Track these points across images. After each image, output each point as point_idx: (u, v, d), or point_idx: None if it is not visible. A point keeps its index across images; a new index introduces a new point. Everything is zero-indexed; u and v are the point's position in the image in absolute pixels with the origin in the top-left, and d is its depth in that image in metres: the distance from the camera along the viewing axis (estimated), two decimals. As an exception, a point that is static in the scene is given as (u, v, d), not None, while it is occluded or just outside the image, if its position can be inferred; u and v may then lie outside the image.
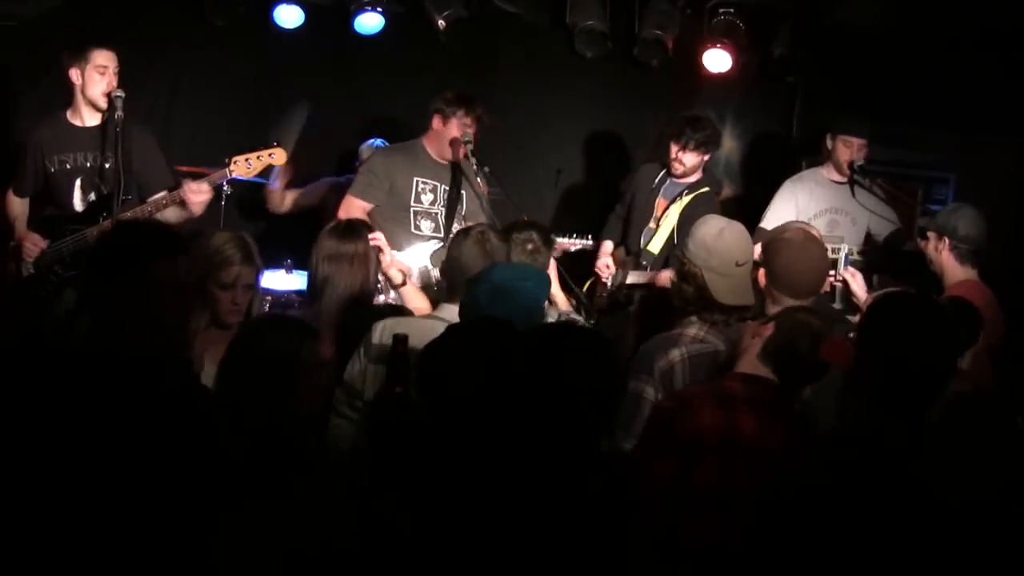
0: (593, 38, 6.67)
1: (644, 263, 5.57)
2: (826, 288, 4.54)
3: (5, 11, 5.99)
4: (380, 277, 4.37)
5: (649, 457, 2.97)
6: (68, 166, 5.04)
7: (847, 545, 2.40)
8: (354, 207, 5.25)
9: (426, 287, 4.82)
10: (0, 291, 5.11)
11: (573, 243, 5.52)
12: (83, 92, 4.98)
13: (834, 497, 2.45)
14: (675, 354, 3.39)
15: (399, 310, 4.24)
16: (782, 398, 3.04)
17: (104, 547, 2.38)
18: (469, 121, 5.24)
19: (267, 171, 5.09)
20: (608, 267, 5.73)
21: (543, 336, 2.65)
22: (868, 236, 5.58)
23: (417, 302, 4.34)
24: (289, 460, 2.64)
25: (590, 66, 6.83)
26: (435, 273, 5.01)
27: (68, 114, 5.07)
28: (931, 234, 4.71)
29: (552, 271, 4.40)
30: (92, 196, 5.06)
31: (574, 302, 4.74)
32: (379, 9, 6.34)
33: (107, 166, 4.94)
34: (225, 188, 5.62)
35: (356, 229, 4.23)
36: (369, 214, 5.24)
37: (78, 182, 5.05)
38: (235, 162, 4.93)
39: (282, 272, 5.69)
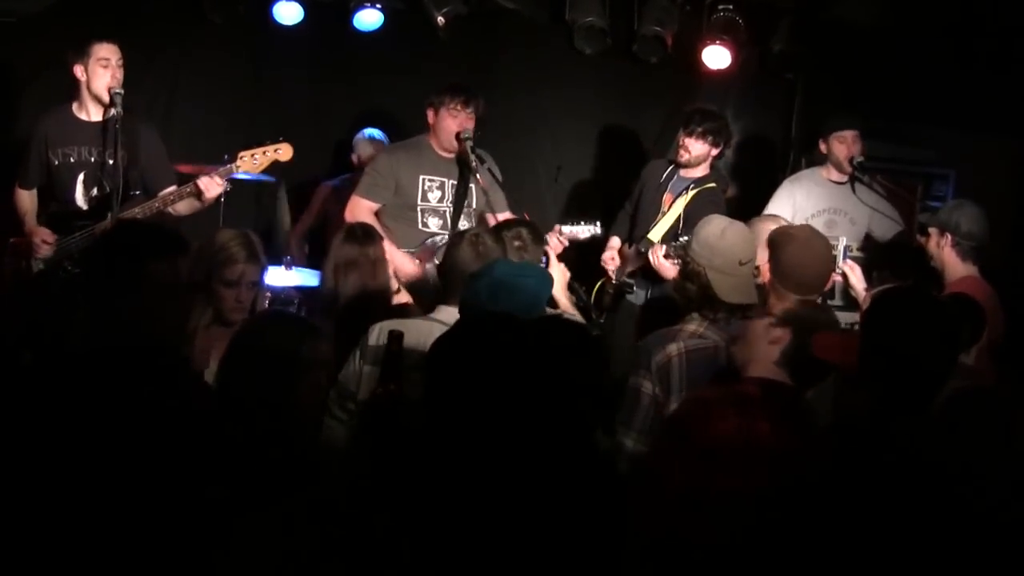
0: (592, 34, 6.66)
1: (643, 250, 5.58)
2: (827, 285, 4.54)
3: (5, 7, 5.97)
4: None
5: (665, 463, 2.96)
6: (72, 160, 5.05)
7: (856, 540, 2.40)
8: (360, 207, 5.24)
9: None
10: (2, 287, 5.12)
11: (581, 230, 5.53)
12: (88, 87, 4.99)
13: (842, 492, 2.45)
14: (672, 348, 3.43)
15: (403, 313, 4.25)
16: (798, 403, 3.04)
17: (103, 544, 2.39)
18: (459, 109, 5.22)
19: (272, 167, 5.06)
20: (613, 259, 5.73)
21: (530, 331, 2.63)
22: (868, 233, 5.58)
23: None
24: (288, 457, 2.65)
25: (589, 62, 6.82)
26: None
27: (74, 107, 5.09)
28: (933, 230, 4.72)
29: (558, 273, 4.41)
30: (95, 191, 5.06)
31: (574, 300, 4.72)
32: (378, 6, 6.34)
33: (110, 162, 4.94)
34: (226, 186, 5.60)
35: (370, 233, 4.25)
36: (376, 214, 5.24)
37: (81, 177, 5.06)
38: (241, 158, 4.94)
39: (282, 268, 5.68)
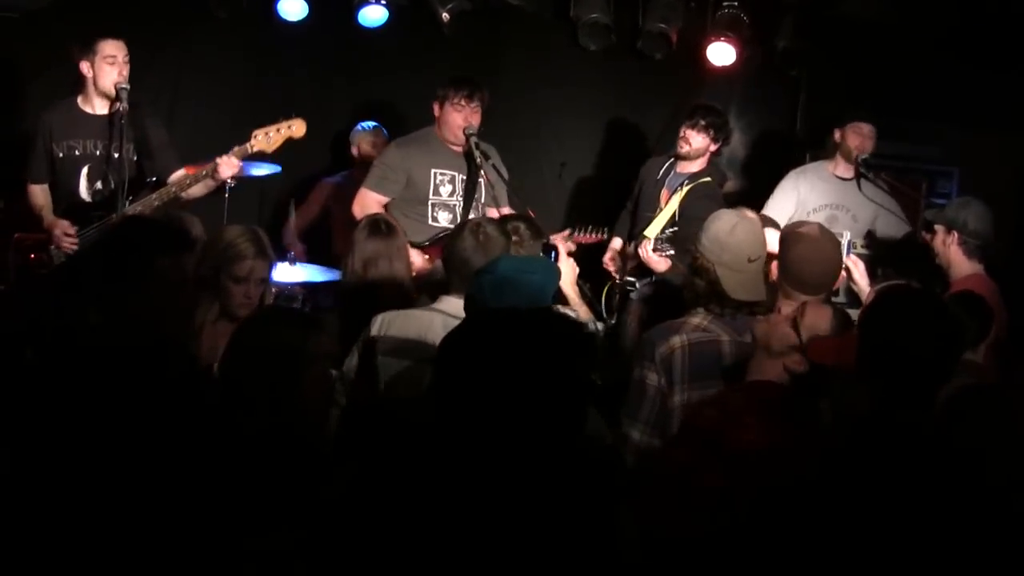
0: (597, 31, 6.67)
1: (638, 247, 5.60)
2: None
3: (8, 3, 5.98)
4: None
5: (692, 468, 2.95)
6: (76, 152, 5.07)
7: (865, 535, 2.40)
8: (370, 200, 5.23)
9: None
10: (6, 282, 5.13)
11: (588, 237, 5.55)
12: (95, 84, 5.02)
13: (850, 488, 2.45)
14: (676, 340, 3.44)
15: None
16: (814, 407, 3.04)
17: (110, 541, 2.39)
18: (463, 104, 5.23)
19: (287, 144, 5.07)
20: (613, 260, 5.76)
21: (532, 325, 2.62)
22: (872, 231, 5.57)
23: None
24: (294, 450, 2.66)
25: (594, 59, 6.83)
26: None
27: (79, 101, 5.11)
28: (939, 228, 4.71)
29: (567, 267, 4.41)
30: (98, 184, 5.08)
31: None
32: (383, 2, 6.34)
33: (116, 155, 4.96)
34: (229, 182, 5.61)
35: (393, 227, 4.25)
36: (384, 207, 5.23)
37: (85, 170, 5.08)
38: (255, 136, 4.97)
39: (286, 264, 5.68)
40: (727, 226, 3.52)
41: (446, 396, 2.20)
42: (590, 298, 5.08)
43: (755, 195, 6.37)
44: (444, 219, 5.31)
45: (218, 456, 2.53)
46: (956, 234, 4.65)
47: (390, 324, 3.67)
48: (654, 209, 5.69)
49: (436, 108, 5.33)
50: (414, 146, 5.40)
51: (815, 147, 6.30)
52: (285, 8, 6.31)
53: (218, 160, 4.91)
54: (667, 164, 5.79)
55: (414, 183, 5.27)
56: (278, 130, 5.01)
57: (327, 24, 6.52)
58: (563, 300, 4.37)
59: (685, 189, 5.57)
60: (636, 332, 4.28)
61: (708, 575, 2.77)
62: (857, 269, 4.79)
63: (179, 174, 5.09)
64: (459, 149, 5.34)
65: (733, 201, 5.84)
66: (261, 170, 5.64)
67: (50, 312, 4.81)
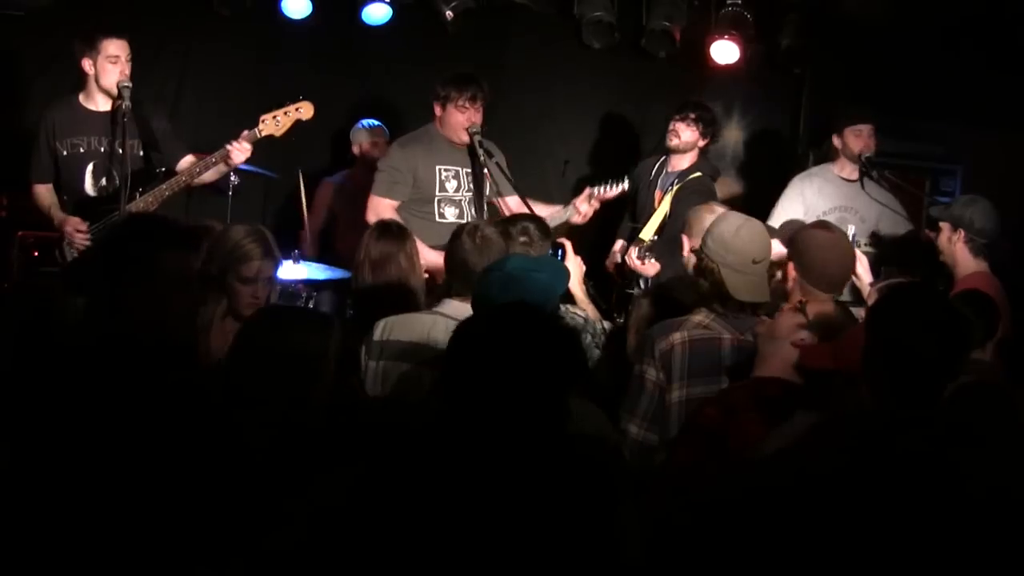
0: (601, 29, 6.66)
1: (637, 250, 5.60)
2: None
3: (13, 1, 5.98)
4: None
5: (696, 467, 2.95)
6: (81, 150, 5.06)
7: (869, 532, 2.41)
8: (383, 207, 5.20)
9: None
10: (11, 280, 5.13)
11: (609, 191, 5.56)
12: (97, 82, 5.00)
13: (853, 486, 2.45)
14: (676, 337, 3.45)
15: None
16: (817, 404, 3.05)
17: (112, 539, 2.39)
18: (467, 105, 5.23)
19: (295, 127, 5.07)
20: (614, 263, 5.76)
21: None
22: (877, 230, 5.57)
23: None
24: (298, 450, 2.66)
25: (597, 57, 6.83)
26: None
27: (81, 98, 5.10)
28: (944, 226, 4.70)
29: (574, 265, 4.41)
30: (103, 181, 5.08)
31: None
32: (386, 0, 6.34)
33: (120, 151, 4.96)
34: (233, 180, 5.62)
35: (404, 229, 4.26)
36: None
37: (90, 167, 5.07)
38: (263, 121, 4.98)
39: (290, 262, 5.69)
40: (732, 227, 3.52)
41: (453, 385, 2.20)
42: (595, 297, 5.08)
43: (758, 193, 6.40)
44: (451, 215, 5.31)
45: (221, 454, 2.53)
46: (962, 232, 4.64)
47: (392, 328, 3.68)
48: (650, 211, 5.71)
49: (438, 108, 5.32)
50: (416, 145, 5.39)
51: (818, 145, 6.30)
52: (289, 6, 6.30)
53: (228, 147, 4.92)
54: (658, 164, 5.83)
55: (421, 181, 5.27)
56: (286, 113, 5.02)
57: (330, 22, 6.52)
58: (570, 299, 4.38)
59: (675, 188, 5.59)
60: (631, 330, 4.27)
61: (712, 574, 2.77)
62: (860, 265, 4.80)
63: (188, 160, 5.11)
64: (461, 145, 5.34)
65: (736, 199, 5.86)
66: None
67: (57, 310, 4.84)
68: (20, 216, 5.41)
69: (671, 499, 2.95)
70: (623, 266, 5.67)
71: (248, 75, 6.66)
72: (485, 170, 5.27)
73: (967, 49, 6.34)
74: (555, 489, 2.18)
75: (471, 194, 5.37)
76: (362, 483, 2.25)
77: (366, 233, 4.31)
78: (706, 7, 6.61)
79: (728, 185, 6.80)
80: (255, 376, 2.70)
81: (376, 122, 6.35)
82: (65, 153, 5.07)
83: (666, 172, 5.76)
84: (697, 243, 3.96)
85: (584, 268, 4.55)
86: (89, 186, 5.08)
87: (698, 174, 5.66)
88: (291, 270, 5.62)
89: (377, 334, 3.67)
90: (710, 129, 5.73)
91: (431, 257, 4.77)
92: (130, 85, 4.92)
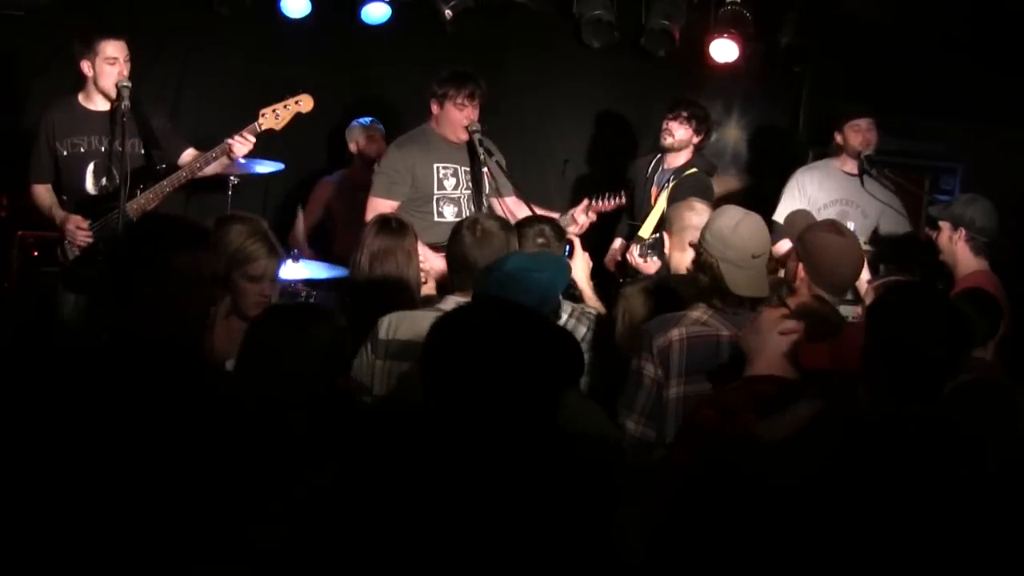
0: (600, 28, 6.67)
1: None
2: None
3: (12, 0, 5.98)
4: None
5: (697, 468, 2.95)
6: (81, 150, 5.07)
7: (862, 530, 2.41)
8: (382, 208, 5.17)
9: None
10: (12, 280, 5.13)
11: (607, 204, 5.57)
12: (96, 83, 5.01)
13: (853, 482, 2.45)
14: (674, 333, 3.45)
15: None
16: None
17: (119, 538, 2.39)
18: (465, 104, 5.23)
19: (295, 120, 5.09)
20: (615, 262, 5.80)
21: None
22: (877, 228, 5.57)
23: None
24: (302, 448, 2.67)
25: (597, 56, 6.83)
26: None
27: (80, 98, 5.10)
28: (945, 224, 4.69)
29: (582, 262, 4.41)
30: (104, 180, 5.08)
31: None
32: (385, -1, 6.35)
33: (120, 150, 4.96)
34: (232, 179, 5.61)
35: (404, 225, 4.25)
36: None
37: (91, 167, 5.08)
38: (263, 115, 4.99)
39: (289, 261, 5.68)
40: (731, 222, 3.51)
41: (428, 381, 2.19)
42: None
43: (758, 191, 6.40)
44: (450, 213, 5.30)
45: (224, 454, 2.53)
46: (963, 231, 4.63)
47: (398, 326, 3.66)
48: (647, 208, 5.72)
49: (435, 106, 5.31)
50: (413, 145, 5.38)
51: (818, 144, 6.29)
52: (288, 5, 6.30)
53: (230, 140, 4.92)
54: (654, 161, 5.85)
55: (419, 180, 5.26)
56: (285, 107, 5.03)
57: (330, 21, 6.52)
58: (578, 295, 4.39)
59: (671, 185, 5.61)
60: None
61: (713, 574, 2.78)
62: None
63: (190, 154, 5.13)
64: (458, 143, 5.34)
65: (737, 197, 5.86)
66: (265, 167, 5.65)
67: (66, 309, 4.86)
68: (20, 216, 5.42)
69: (670, 499, 2.94)
70: (624, 264, 5.68)
71: (247, 74, 6.65)
72: (485, 168, 5.26)
73: (967, 47, 6.34)
74: (543, 486, 2.17)
75: (470, 192, 5.37)
76: (356, 482, 2.25)
77: (366, 227, 4.31)
78: (705, 5, 6.61)
79: (728, 184, 6.81)
80: (271, 374, 2.72)
81: (371, 119, 6.35)
82: (66, 153, 5.07)
83: (662, 169, 5.79)
84: (679, 240, 3.97)
85: (591, 264, 4.55)
86: (90, 185, 5.09)
87: (694, 170, 5.68)
88: (291, 269, 5.62)
89: (382, 332, 3.65)
90: (704, 126, 5.75)
91: (438, 261, 4.79)
92: (129, 84, 4.93)
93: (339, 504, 2.22)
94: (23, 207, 5.35)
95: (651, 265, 5.25)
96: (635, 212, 5.87)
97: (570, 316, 4.02)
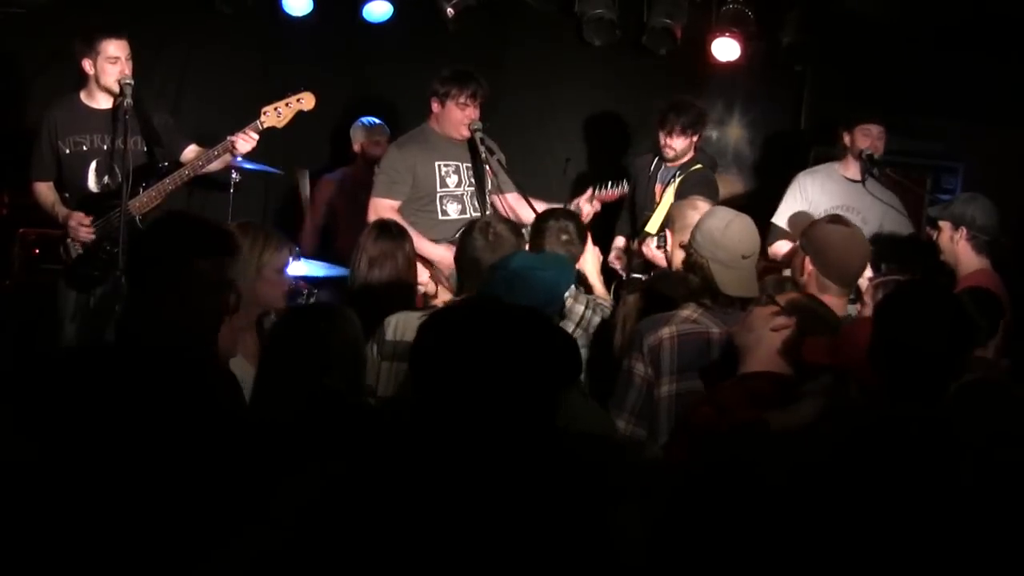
0: (602, 26, 6.67)
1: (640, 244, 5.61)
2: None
3: (13, -2, 6.00)
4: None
5: (694, 467, 2.96)
6: (84, 148, 5.06)
7: (861, 528, 2.41)
8: (383, 208, 5.18)
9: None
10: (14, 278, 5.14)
11: (611, 194, 5.58)
12: (97, 81, 5.00)
13: (849, 481, 2.46)
14: (664, 332, 3.45)
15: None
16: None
17: (129, 538, 2.39)
18: (467, 103, 5.23)
19: (297, 117, 5.09)
20: (619, 259, 5.80)
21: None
22: (879, 230, 5.56)
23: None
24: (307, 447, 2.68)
25: (599, 55, 6.83)
26: None
27: (83, 96, 5.10)
28: (945, 224, 4.68)
29: (592, 256, 4.41)
30: (106, 179, 5.07)
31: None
32: (387, -3, 6.35)
33: (123, 148, 4.96)
34: (234, 176, 5.62)
35: (403, 230, 4.26)
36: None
37: (93, 164, 5.07)
38: (264, 113, 4.99)
39: (290, 259, 5.68)
40: (721, 223, 3.52)
41: (418, 383, 2.19)
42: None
43: (759, 190, 6.41)
44: (453, 210, 5.30)
45: (228, 452, 2.53)
46: (964, 230, 4.63)
47: (405, 328, 3.64)
48: (651, 205, 5.71)
49: (436, 105, 5.31)
50: (413, 144, 5.38)
51: (820, 143, 6.29)
52: (290, 4, 6.32)
53: (232, 137, 4.93)
54: (656, 159, 5.83)
55: (421, 179, 5.26)
56: (287, 104, 5.03)
57: (331, 19, 6.53)
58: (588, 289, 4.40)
59: (678, 180, 5.61)
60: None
61: (713, 572, 2.78)
62: None
63: (193, 150, 5.14)
64: (460, 139, 5.34)
65: (739, 198, 5.86)
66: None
67: (68, 307, 4.85)
68: (21, 214, 5.42)
69: (669, 498, 2.94)
70: (630, 259, 5.68)
71: (249, 73, 6.66)
72: (486, 166, 5.27)
73: (967, 47, 6.34)
74: (541, 486, 2.17)
75: (473, 188, 5.38)
76: (358, 482, 2.25)
77: (364, 231, 4.31)
78: (707, 4, 6.62)
79: (729, 183, 6.80)
80: (298, 373, 2.75)
81: (376, 120, 6.35)
82: (68, 151, 5.07)
83: (665, 167, 5.77)
84: (681, 238, 3.98)
85: (601, 258, 4.56)
86: (92, 183, 5.08)
87: (699, 166, 5.68)
88: (292, 267, 5.62)
89: (389, 333, 3.64)
90: (699, 127, 5.71)
91: (448, 256, 4.80)
92: (131, 82, 4.92)
93: (340, 505, 2.22)
94: (25, 205, 5.35)
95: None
96: (636, 210, 5.87)
97: (587, 307, 4.05)
